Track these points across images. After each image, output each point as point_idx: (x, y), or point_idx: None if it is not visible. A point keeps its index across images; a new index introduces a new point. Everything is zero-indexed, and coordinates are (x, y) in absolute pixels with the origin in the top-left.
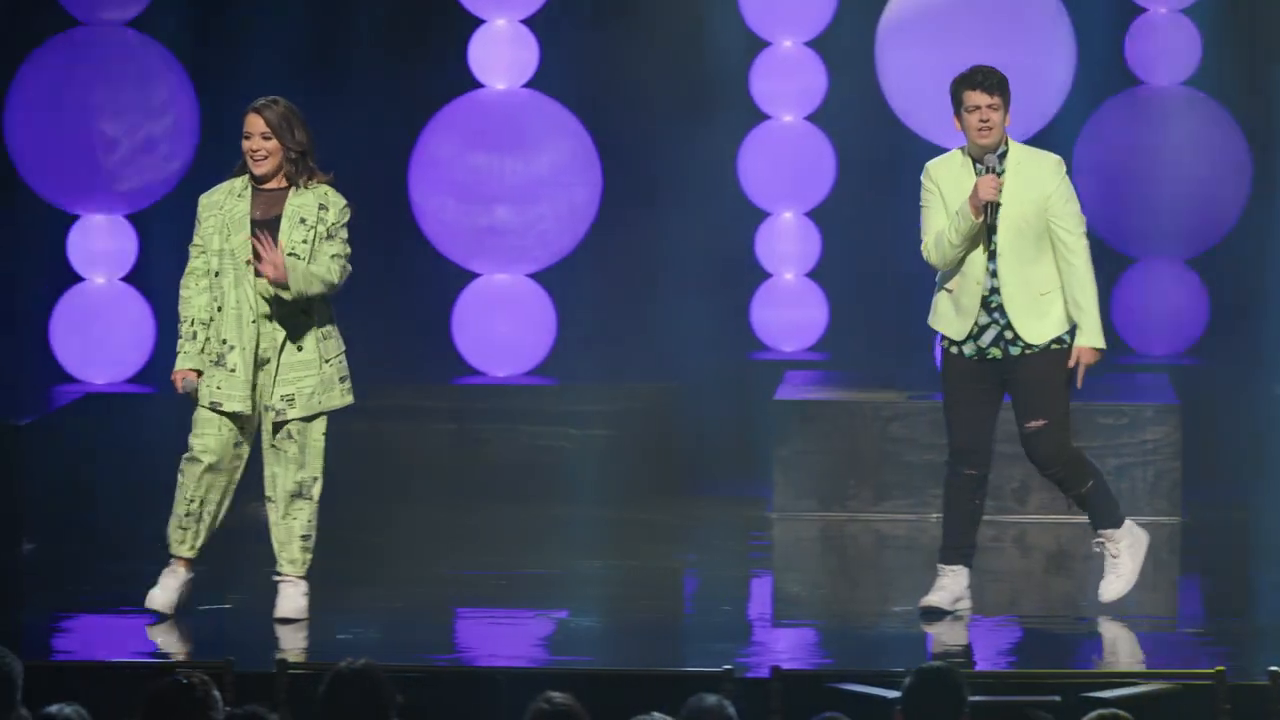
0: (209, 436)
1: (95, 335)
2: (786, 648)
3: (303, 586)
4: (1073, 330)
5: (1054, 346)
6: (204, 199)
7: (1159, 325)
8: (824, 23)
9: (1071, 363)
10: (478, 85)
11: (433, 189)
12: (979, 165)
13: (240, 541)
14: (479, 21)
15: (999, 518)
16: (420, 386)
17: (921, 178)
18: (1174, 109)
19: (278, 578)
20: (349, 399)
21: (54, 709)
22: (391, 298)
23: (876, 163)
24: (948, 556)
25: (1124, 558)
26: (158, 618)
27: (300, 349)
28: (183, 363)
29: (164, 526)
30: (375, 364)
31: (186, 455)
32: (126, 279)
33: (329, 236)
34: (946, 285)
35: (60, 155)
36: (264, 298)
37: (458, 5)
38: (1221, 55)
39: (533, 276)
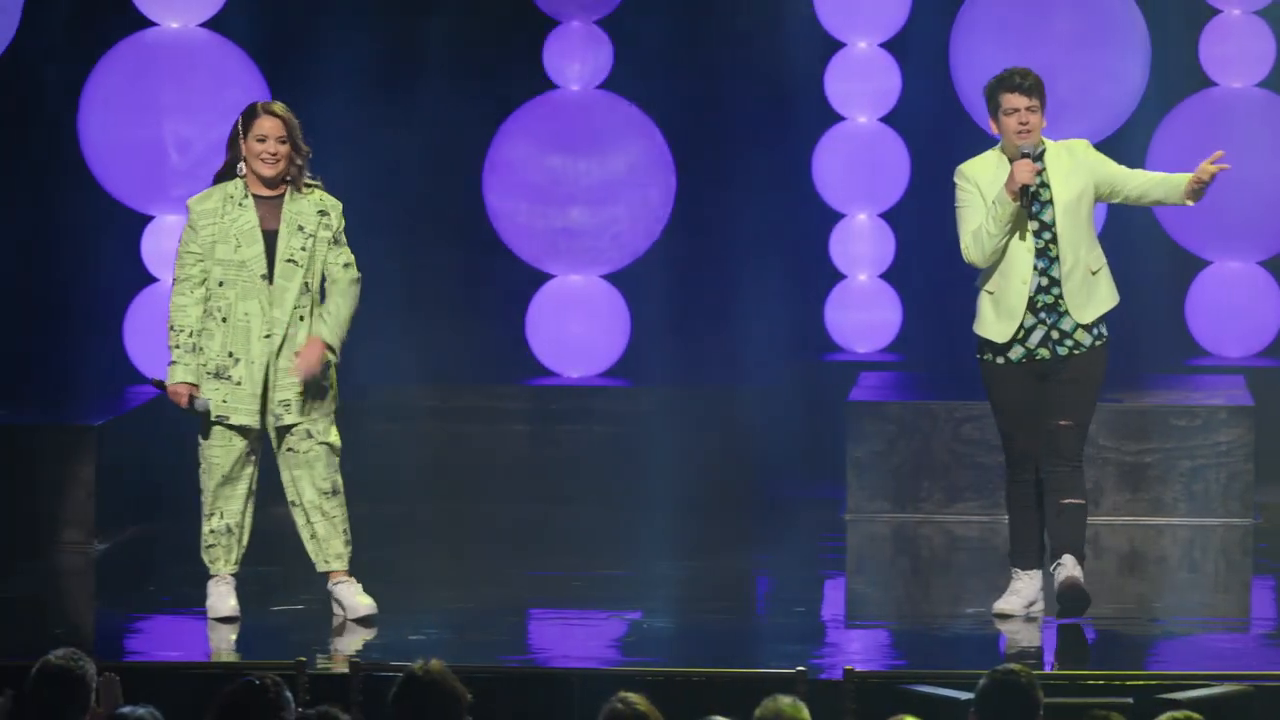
0: (217, 448)
1: (167, 335)
2: (859, 649)
3: (357, 582)
4: (1108, 322)
5: (1097, 344)
6: (197, 205)
7: (1233, 327)
8: (899, 24)
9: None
10: (552, 86)
11: (507, 191)
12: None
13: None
14: (554, 23)
15: None
16: (494, 387)
17: (956, 179)
18: (1248, 111)
19: (334, 581)
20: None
21: (127, 710)
22: (466, 300)
23: (951, 164)
24: (1020, 560)
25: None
26: (229, 621)
27: (297, 354)
28: (183, 375)
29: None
30: (450, 365)
31: (201, 469)
32: None
33: (336, 243)
34: (987, 288)
35: (134, 156)
36: (271, 309)
37: (533, 7)
38: None
39: (607, 278)
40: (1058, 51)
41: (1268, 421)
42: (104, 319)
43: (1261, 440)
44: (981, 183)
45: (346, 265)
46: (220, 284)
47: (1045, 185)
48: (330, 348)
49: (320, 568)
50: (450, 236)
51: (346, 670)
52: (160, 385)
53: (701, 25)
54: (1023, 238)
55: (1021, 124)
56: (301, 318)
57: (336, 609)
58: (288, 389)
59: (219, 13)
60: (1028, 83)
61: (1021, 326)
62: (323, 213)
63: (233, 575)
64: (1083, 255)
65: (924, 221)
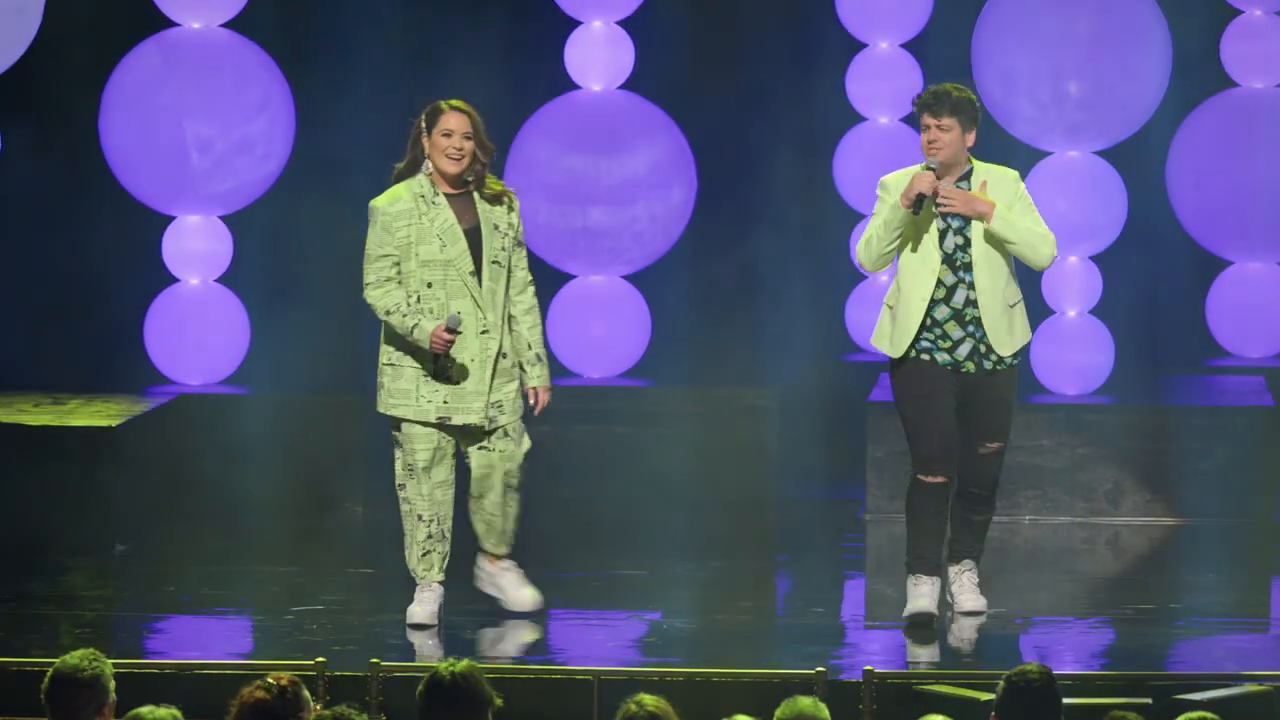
0: (423, 452)
1: (189, 336)
2: (879, 649)
3: (523, 573)
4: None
5: (1013, 364)
6: (389, 207)
7: (1254, 328)
8: (920, 24)
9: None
10: (574, 87)
11: (528, 191)
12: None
13: (331, 542)
14: (575, 23)
15: (1091, 520)
16: None
17: (878, 189)
18: (1270, 111)
19: (497, 565)
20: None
21: (146, 710)
22: None
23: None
24: (923, 566)
25: (977, 583)
26: (416, 628)
27: (504, 356)
28: (429, 324)
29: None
30: None
31: (408, 477)
32: (221, 280)
33: (519, 244)
34: (887, 301)
35: (155, 157)
36: (486, 311)
37: (554, 7)
38: None
39: (627, 278)
40: (1079, 52)
41: None
42: (125, 319)
43: None
44: (896, 192)
45: (529, 282)
46: (429, 285)
47: (934, 195)
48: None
49: (487, 547)
50: None
51: (366, 671)
52: (452, 331)
53: (722, 25)
54: (924, 256)
55: (930, 142)
56: (504, 319)
57: (496, 592)
58: (499, 390)
59: (241, 12)
60: (939, 104)
61: (947, 337)
62: (511, 212)
63: (440, 584)
64: (1000, 285)
65: None
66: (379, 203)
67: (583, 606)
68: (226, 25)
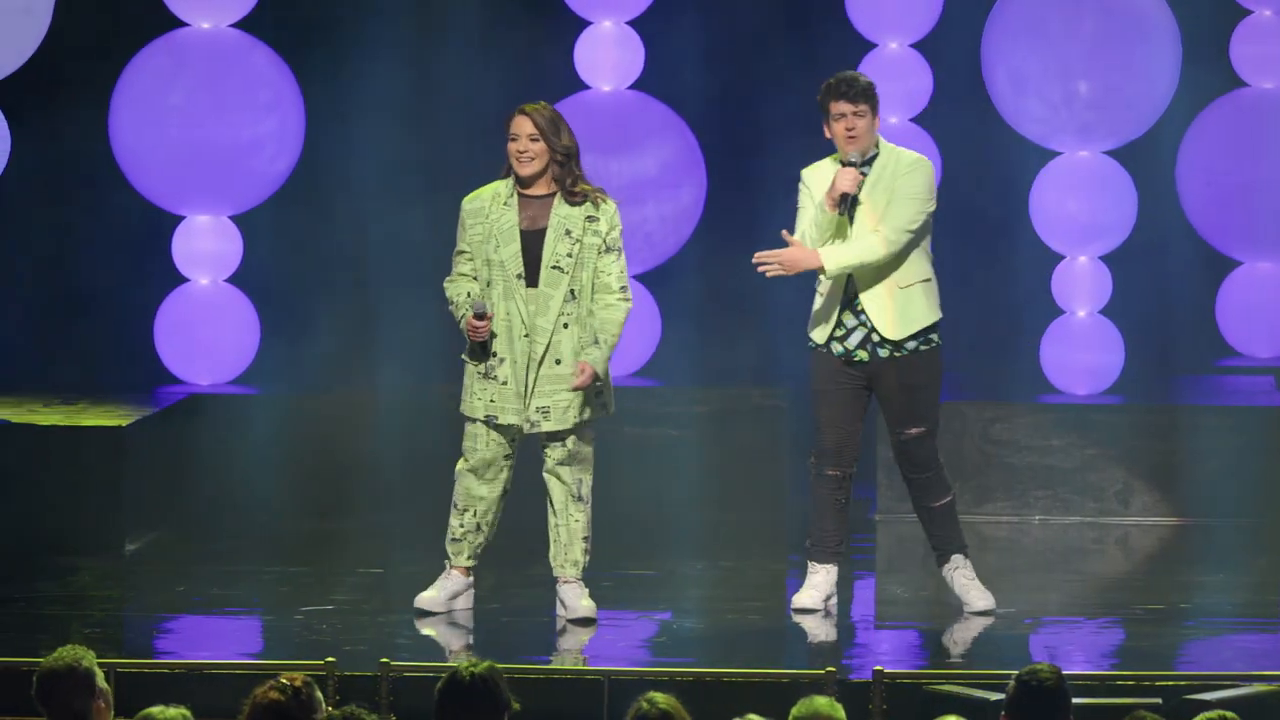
0: (478, 451)
1: (199, 336)
2: (889, 650)
3: (585, 587)
4: (938, 329)
5: (923, 348)
6: (468, 205)
7: (1264, 328)
8: (930, 24)
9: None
10: (584, 87)
11: None
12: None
13: (337, 542)
14: (585, 23)
15: (1101, 520)
16: None
17: (799, 184)
18: (1279, 112)
19: (562, 582)
20: (608, 410)
21: (156, 710)
22: None
23: (982, 164)
24: (818, 555)
25: (974, 577)
26: (421, 614)
27: (558, 362)
28: (467, 309)
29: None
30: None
31: (462, 466)
32: (231, 280)
33: (607, 250)
34: (818, 289)
35: (165, 156)
36: (532, 310)
37: (564, 7)
38: None
39: (638, 278)
40: (1088, 51)
41: None
42: (135, 319)
43: None
44: (815, 187)
45: (623, 287)
46: (489, 284)
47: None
48: (599, 364)
49: (555, 571)
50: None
51: (376, 672)
52: (481, 317)
53: (732, 25)
54: (841, 242)
55: (848, 129)
56: (566, 325)
57: (560, 609)
58: (546, 396)
59: (250, 13)
60: (854, 89)
61: (842, 326)
62: (591, 218)
63: (465, 573)
64: (884, 269)
65: (956, 223)
66: (464, 200)
67: None
68: (236, 25)
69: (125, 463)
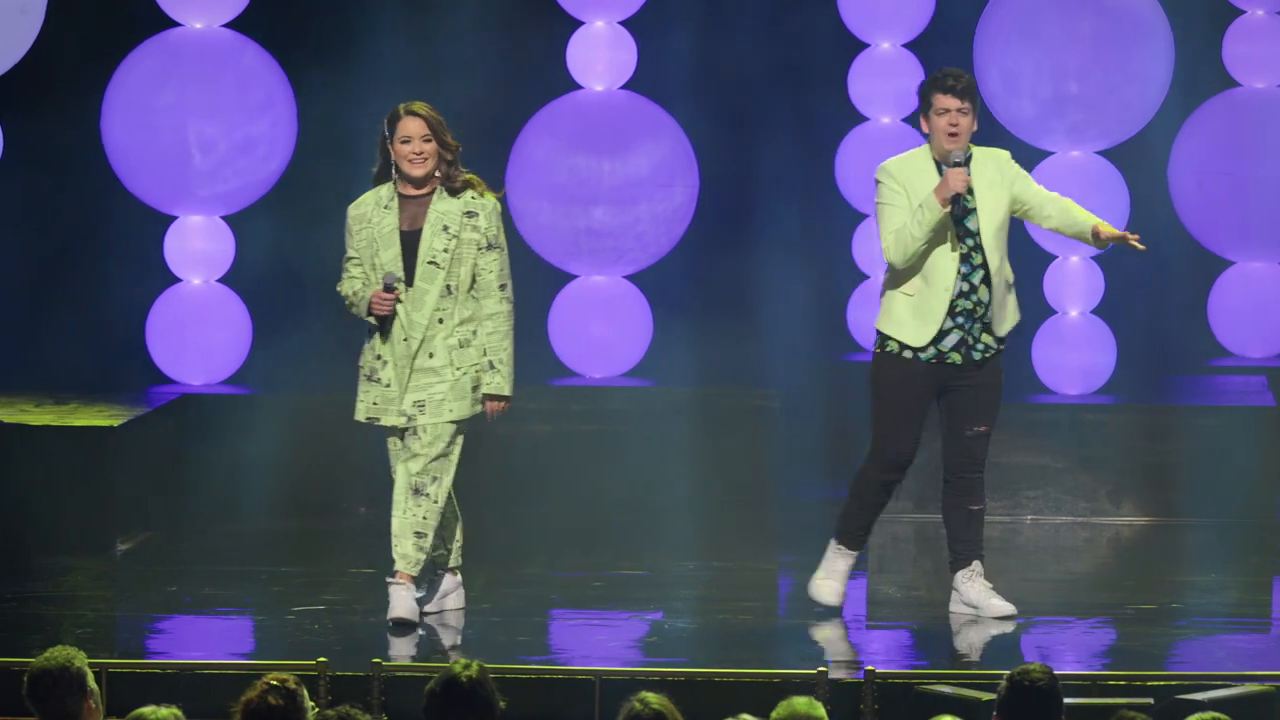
0: (391, 453)
1: (191, 336)
2: (881, 650)
3: (413, 588)
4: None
5: (1001, 349)
6: (353, 211)
7: (1255, 327)
8: (922, 24)
9: (1109, 239)
10: (576, 87)
11: (530, 191)
12: (942, 165)
13: (328, 542)
14: (577, 23)
15: (1093, 520)
16: (516, 387)
17: (880, 177)
18: (1271, 111)
19: (390, 579)
20: (479, 409)
21: (148, 710)
22: None
23: None
24: (850, 541)
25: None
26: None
27: (431, 355)
28: (368, 291)
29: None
30: None
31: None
32: (223, 280)
33: (489, 247)
34: (904, 290)
35: (157, 157)
36: (409, 309)
37: (556, 7)
38: None
39: (629, 278)
40: (1081, 51)
41: None
42: (126, 319)
43: None
44: (908, 182)
45: (503, 285)
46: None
47: (970, 192)
48: (508, 399)
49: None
50: None
51: (368, 672)
52: (390, 289)
53: (724, 25)
54: (948, 245)
55: (952, 125)
56: (440, 320)
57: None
58: (421, 390)
59: (242, 13)
60: (960, 85)
61: (940, 330)
62: (470, 213)
63: (448, 572)
64: (1003, 267)
65: None
66: (349, 207)
67: (584, 607)
68: (228, 25)
69: (117, 463)
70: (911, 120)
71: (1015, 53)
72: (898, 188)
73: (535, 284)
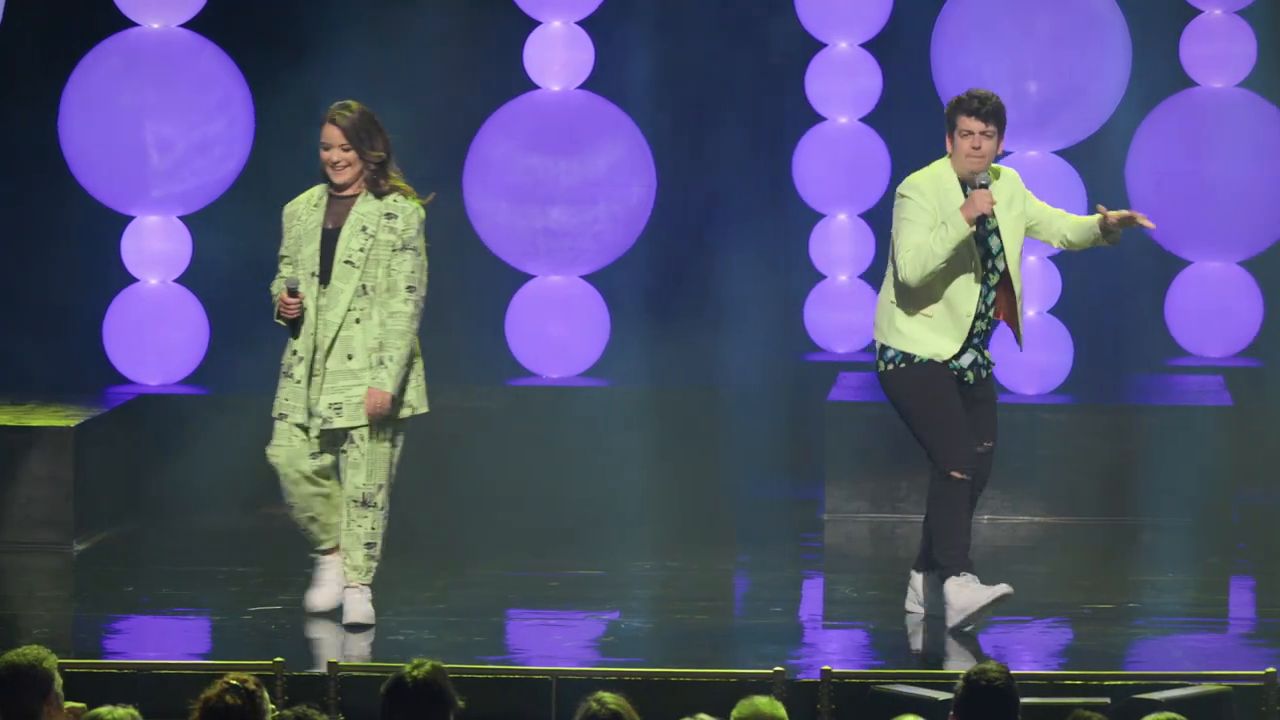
0: (280, 447)
1: (148, 336)
2: (837, 649)
3: (368, 593)
4: None
5: (993, 366)
6: (287, 209)
7: (1213, 327)
8: (880, 24)
9: (1120, 220)
10: (533, 87)
11: (487, 191)
12: (967, 186)
13: (287, 541)
14: (534, 23)
15: (1047, 519)
16: (473, 387)
17: (906, 192)
18: (1229, 111)
19: (345, 586)
20: (408, 411)
21: (105, 710)
22: (445, 299)
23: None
24: (966, 564)
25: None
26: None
27: (350, 357)
28: (279, 287)
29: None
30: (429, 365)
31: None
32: (180, 281)
33: (403, 248)
34: (925, 312)
35: (114, 157)
36: (324, 305)
37: (513, 6)
38: (1276, 57)
39: (587, 278)
40: (1039, 51)
41: (1247, 422)
42: (83, 319)
43: (1240, 440)
44: (933, 198)
45: (411, 288)
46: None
47: (990, 214)
48: (393, 397)
49: (344, 574)
50: (430, 236)
51: (325, 672)
52: (293, 294)
53: (682, 25)
54: (971, 268)
55: (974, 148)
56: (357, 320)
57: (342, 612)
58: (339, 392)
59: (200, 13)
60: (986, 108)
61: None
62: (389, 215)
63: (337, 548)
64: (1022, 288)
65: None
66: (286, 205)
67: (541, 606)
68: (186, 25)
69: (74, 463)
70: (870, 120)
71: (973, 52)
72: (926, 204)
73: (492, 284)
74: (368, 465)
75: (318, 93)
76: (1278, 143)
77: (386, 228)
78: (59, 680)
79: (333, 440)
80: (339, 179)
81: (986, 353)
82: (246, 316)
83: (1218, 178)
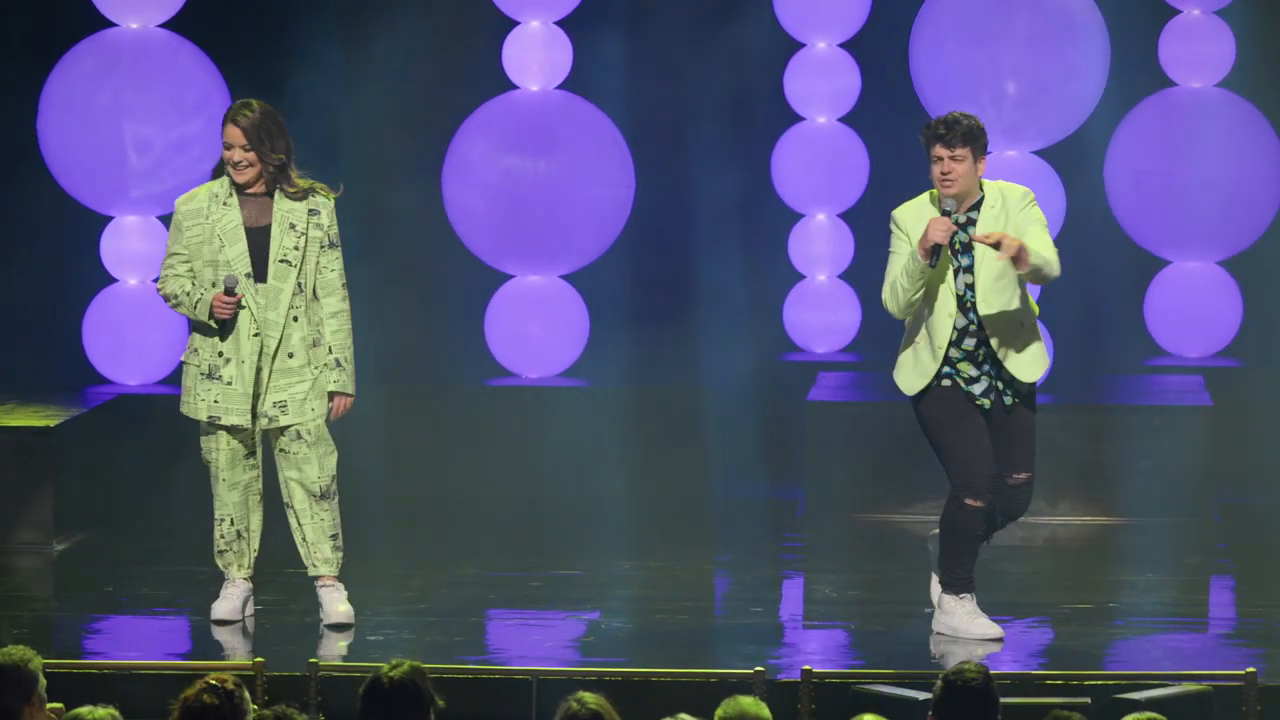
0: (220, 451)
1: (127, 336)
2: (817, 649)
3: (343, 591)
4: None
5: (1030, 391)
6: (184, 206)
7: (1192, 327)
8: (858, 24)
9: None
10: (512, 87)
11: (466, 190)
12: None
13: (268, 541)
14: (513, 23)
15: (1029, 519)
16: (452, 387)
17: (890, 224)
18: (1207, 111)
19: (320, 585)
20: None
21: (85, 710)
22: (424, 299)
23: (910, 164)
24: (961, 586)
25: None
26: (225, 624)
27: (291, 355)
28: (209, 295)
29: (200, 537)
30: (408, 365)
31: (209, 475)
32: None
33: (331, 245)
34: (914, 340)
35: (93, 157)
36: (262, 305)
37: (492, 7)
38: (1255, 57)
39: (565, 278)
40: (1017, 51)
41: (1226, 421)
42: (63, 319)
43: (1220, 440)
44: (911, 228)
45: (344, 284)
46: (212, 285)
47: (964, 243)
48: (352, 396)
49: (310, 571)
50: (409, 236)
51: (305, 672)
52: (230, 293)
53: (660, 25)
54: (945, 295)
55: (943, 173)
56: (295, 318)
57: (321, 612)
58: (282, 390)
59: (178, 13)
60: (951, 133)
61: (964, 375)
62: (313, 211)
63: (246, 580)
64: (1007, 313)
65: (883, 222)
66: (178, 201)
67: (521, 607)
68: (164, 25)
69: (53, 463)
70: (849, 120)
71: (951, 52)
72: (901, 234)
73: (471, 284)
74: (318, 459)
75: (295, 93)
76: (1256, 142)
77: (314, 224)
78: (43, 681)
79: (261, 441)
80: (240, 178)
81: (1005, 375)
82: None
83: (1197, 178)
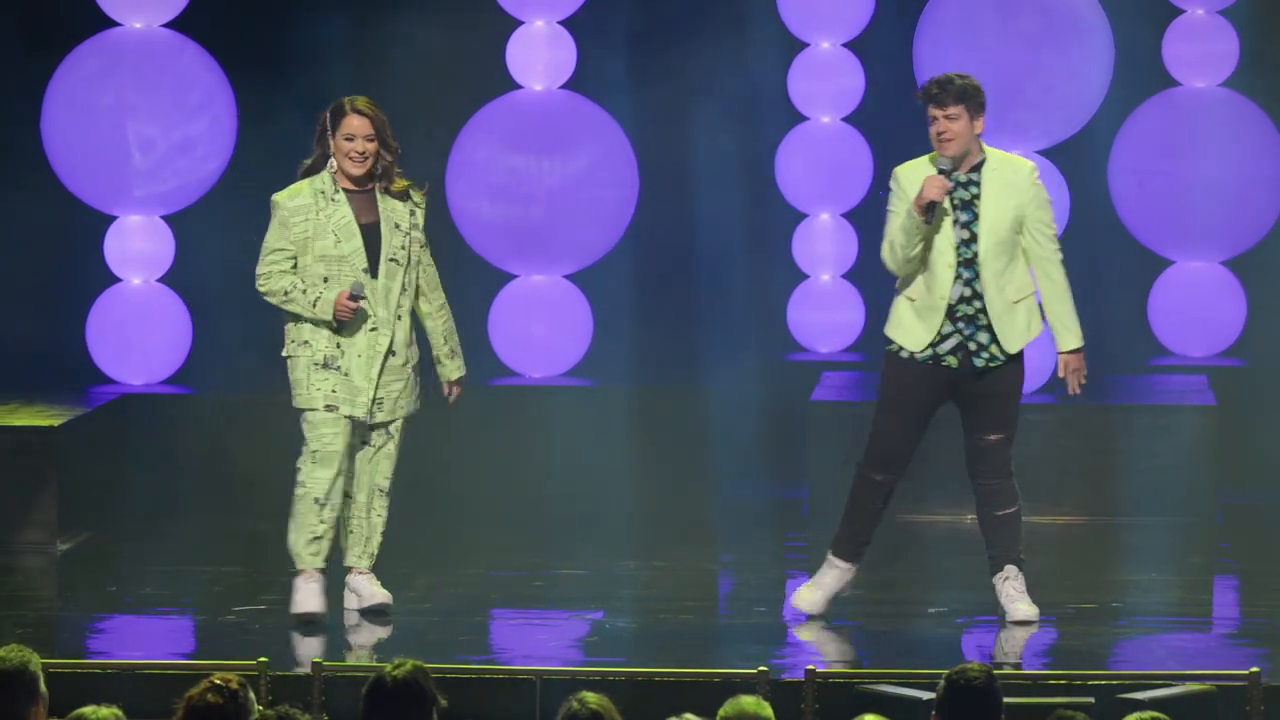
0: (339, 436)
1: (131, 336)
2: (821, 649)
3: (376, 577)
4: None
5: (1010, 356)
6: (288, 203)
7: (1195, 327)
8: (862, 24)
9: (1062, 373)
10: (515, 86)
11: (470, 190)
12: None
13: (269, 542)
14: (517, 22)
15: (1033, 519)
16: None
17: (890, 182)
18: (1211, 111)
19: (356, 573)
20: (417, 405)
21: (88, 709)
22: None
23: None
24: (843, 551)
25: (1024, 590)
26: (309, 623)
27: (394, 353)
28: (331, 294)
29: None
30: None
31: (310, 459)
32: (163, 280)
33: (426, 244)
34: (908, 294)
35: (97, 156)
36: (375, 306)
37: (496, 6)
38: (1259, 57)
39: (569, 278)
40: (1021, 51)
41: (1230, 421)
42: (67, 319)
43: (1224, 440)
44: (910, 188)
45: (439, 281)
46: (325, 280)
47: (977, 198)
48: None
49: (350, 562)
50: None
51: (309, 671)
52: (356, 298)
53: (664, 24)
54: (947, 253)
55: (940, 133)
56: (400, 316)
57: (350, 600)
58: (383, 387)
59: (182, 12)
60: (944, 92)
61: (938, 333)
62: (413, 212)
63: (322, 572)
64: (1004, 278)
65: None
66: (279, 197)
67: (525, 606)
68: (168, 25)
69: (57, 462)
70: (853, 120)
71: (954, 52)
72: (899, 191)
73: (475, 284)
74: (396, 457)
75: (300, 92)
76: (1260, 142)
77: (414, 224)
78: (43, 682)
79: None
80: (358, 170)
81: (994, 345)
82: (230, 316)
83: (1200, 177)
